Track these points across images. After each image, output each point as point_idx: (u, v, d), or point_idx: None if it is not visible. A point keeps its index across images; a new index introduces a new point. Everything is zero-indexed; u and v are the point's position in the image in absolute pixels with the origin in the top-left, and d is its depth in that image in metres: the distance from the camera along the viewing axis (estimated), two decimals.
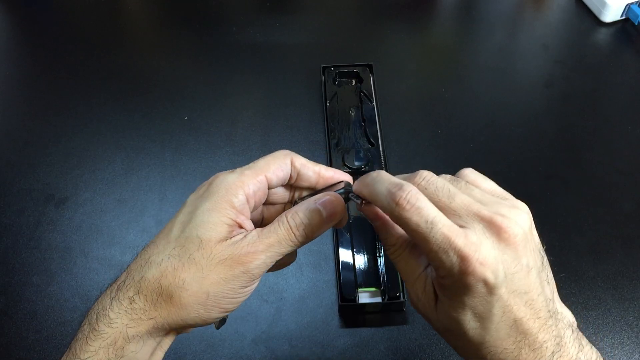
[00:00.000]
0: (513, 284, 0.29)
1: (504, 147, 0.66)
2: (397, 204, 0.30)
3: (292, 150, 0.37)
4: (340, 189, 0.36)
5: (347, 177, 0.38)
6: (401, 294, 0.52)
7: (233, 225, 0.33)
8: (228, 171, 0.36)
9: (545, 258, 0.32)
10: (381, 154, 0.62)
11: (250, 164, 0.36)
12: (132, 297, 0.32)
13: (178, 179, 0.64)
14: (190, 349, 0.52)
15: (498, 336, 0.30)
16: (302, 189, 0.39)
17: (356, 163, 0.60)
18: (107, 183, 0.64)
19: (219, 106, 0.71)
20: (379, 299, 0.52)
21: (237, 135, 0.68)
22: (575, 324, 0.33)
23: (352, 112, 0.66)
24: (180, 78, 0.75)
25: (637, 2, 0.76)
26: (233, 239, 0.33)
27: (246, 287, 0.33)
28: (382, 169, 0.60)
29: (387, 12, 0.82)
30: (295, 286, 0.56)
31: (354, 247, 0.55)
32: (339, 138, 0.63)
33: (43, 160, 0.66)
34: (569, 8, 0.81)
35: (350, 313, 0.54)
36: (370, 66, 0.70)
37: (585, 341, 0.32)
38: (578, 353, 0.31)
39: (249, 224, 0.35)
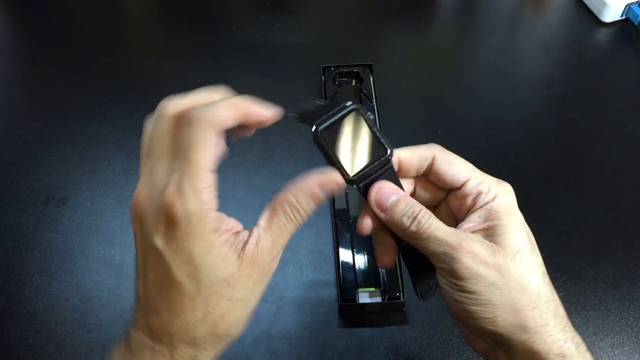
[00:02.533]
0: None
1: (504, 147, 0.66)
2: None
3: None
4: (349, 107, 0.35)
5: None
6: (401, 294, 0.52)
7: (232, 243, 0.32)
8: (172, 192, 0.30)
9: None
10: None
11: (182, 165, 0.31)
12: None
13: None
14: None
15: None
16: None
17: None
18: (107, 183, 0.64)
19: None
20: (379, 299, 0.52)
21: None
22: None
23: None
24: (180, 78, 0.74)
25: (637, 2, 0.76)
26: (251, 257, 0.32)
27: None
28: None
29: (387, 12, 0.82)
30: (295, 286, 0.56)
31: (354, 247, 0.55)
32: None
33: (43, 160, 0.66)
34: (569, 8, 0.81)
35: (350, 313, 0.54)
36: (370, 66, 0.70)
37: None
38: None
39: (233, 222, 0.33)
